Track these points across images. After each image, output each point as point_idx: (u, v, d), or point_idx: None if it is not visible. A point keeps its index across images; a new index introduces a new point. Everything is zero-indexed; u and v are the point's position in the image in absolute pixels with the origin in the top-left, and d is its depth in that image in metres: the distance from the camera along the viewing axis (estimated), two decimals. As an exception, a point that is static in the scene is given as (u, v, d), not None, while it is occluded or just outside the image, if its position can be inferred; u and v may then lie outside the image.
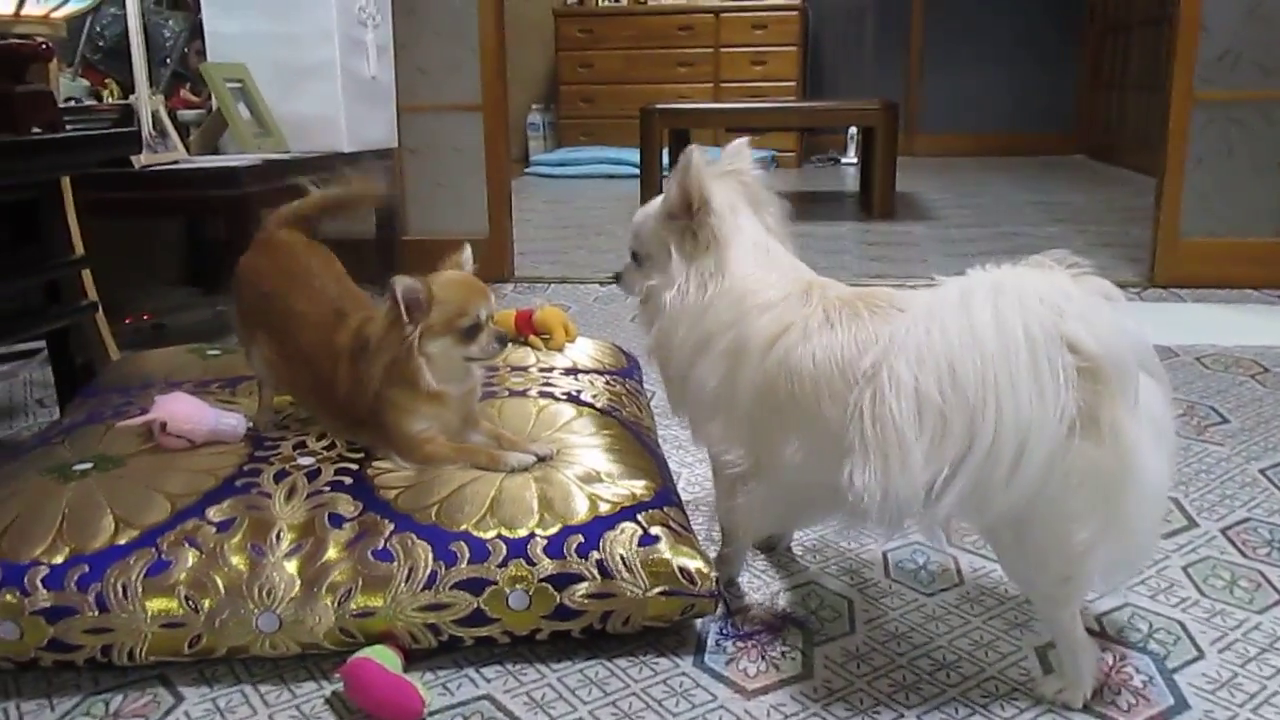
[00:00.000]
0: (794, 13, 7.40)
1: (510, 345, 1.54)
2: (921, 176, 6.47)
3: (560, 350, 1.98)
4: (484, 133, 3.56)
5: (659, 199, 1.38)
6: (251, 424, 1.60)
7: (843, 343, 1.20)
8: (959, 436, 1.06)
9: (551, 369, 1.88)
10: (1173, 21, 3.20)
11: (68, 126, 2.10)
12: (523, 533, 1.31)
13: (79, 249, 2.17)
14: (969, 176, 6.85)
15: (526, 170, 7.30)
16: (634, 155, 6.45)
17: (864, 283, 1.33)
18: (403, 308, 1.40)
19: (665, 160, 5.28)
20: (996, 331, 1.05)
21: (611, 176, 6.92)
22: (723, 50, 7.51)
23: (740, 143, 1.39)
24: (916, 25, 8.06)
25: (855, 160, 7.61)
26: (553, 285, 3.60)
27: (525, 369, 1.87)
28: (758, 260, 1.33)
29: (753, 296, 1.30)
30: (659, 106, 5.19)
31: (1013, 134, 8.05)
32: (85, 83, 3.00)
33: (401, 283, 1.40)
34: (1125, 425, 1.08)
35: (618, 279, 1.51)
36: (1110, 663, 1.28)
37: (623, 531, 1.32)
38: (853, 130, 7.68)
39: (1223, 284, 3.25)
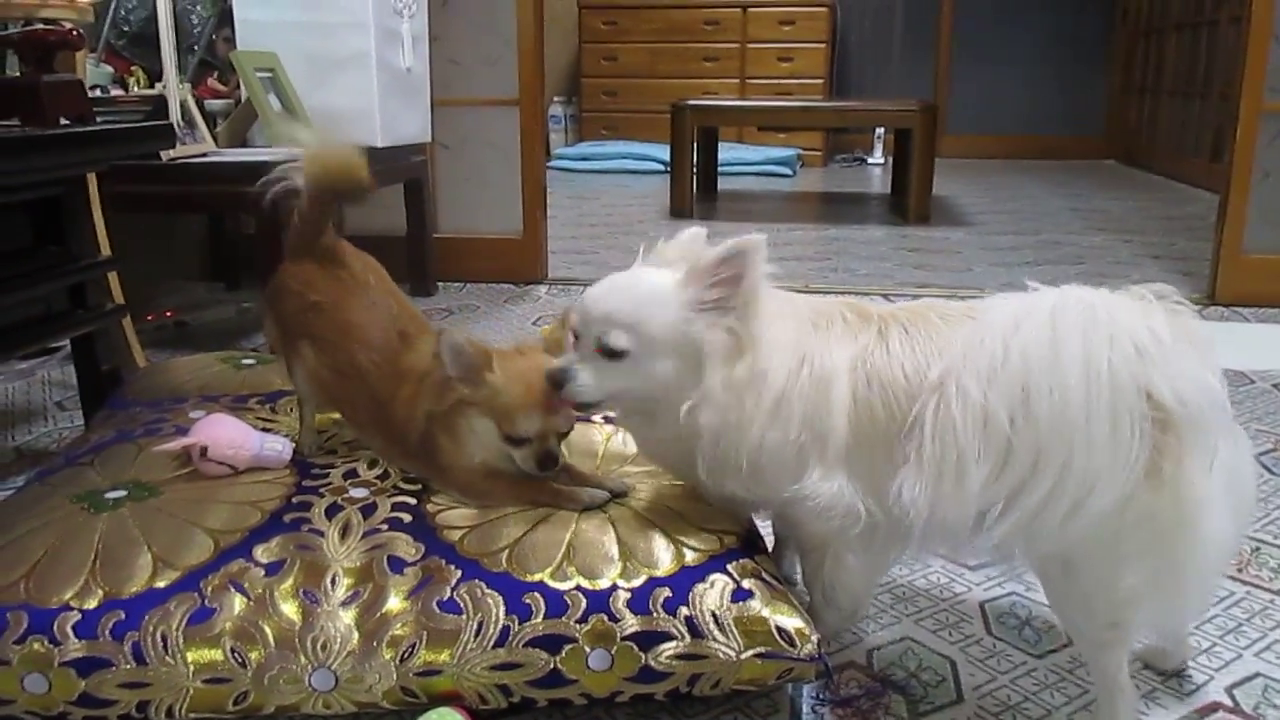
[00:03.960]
0: (823, 9, 7.24)
1: (561, 465, 1.34)
2: (951, 179, 6.33)
3: (618, 368, 1.85)
4: (520, 128, 3.43)
5: (642, 279, 1.21)
6: (294, 447, 1.48)
7: (926, 351, 1.13)
8: (1022, 469, 1.00)
9: (613, 391, 1.76)
10: (1244, 28, 3.07)
11: (96, 118, 1.97)
12: (604, 584, 1.18)
13: (105, 249, 2.04)
14: (1000, 180, 6.71)
15: (548, 165, 7.15)
16: (659, 151, 6.34)
17: (911, 293, 1.23)
18: (452, 365, 1.30)
19: (694, 158, 5.16)
20: (1084, 368, 0.97)
21: (635, 172, 6.79)
22: (749, 46, 7.36)
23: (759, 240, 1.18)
24: (945, 24, 7.91)
25: (882, 161, 7.49)
26: (588, 287, 3.46)
27: (585, 390, 1.74)
28: (788, 311, 1.21)
29: (809, 337, 1.18)
30: (690, 103, 5.05)
31: (1041, 137, 7.91)
32: (109, 69, 2.87)
33: (447, 339, 1.29)
34: (1190, 477, 1.02)
35: (562, 381, 1.22)
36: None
37: (713, 585, 1.19)
38: (880, 130, 7.55)
39: (1289, 304, 3.13)
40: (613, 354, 1.19)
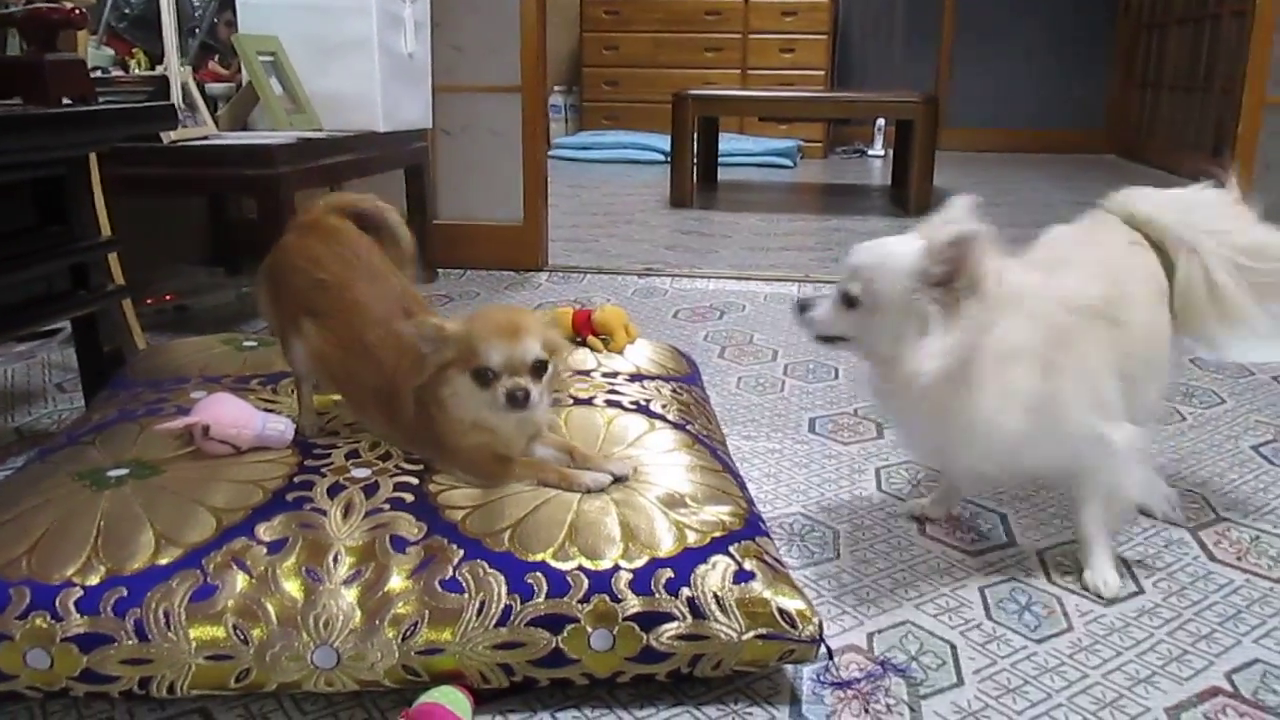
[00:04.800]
0: (824, 0, 7.23)
1: (537, 403, 1.31)
2: (952, 172, 6.31)
3: (620, 353, 1.86)
4: (522, 116, 3.42)
5: (896, 244, 1.33)
6: (296, 428, 1.48)
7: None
8: None
9: (615, 374, 1.76)
10: (1247, 21, 3.07)
11: (99, 98, 1.96)
12: (606, 565, 1.19)
13: (106, 230, 2.04)
14: (1000, 173, 6.70)
15: (548, 154, 7.14)
16: (660, 141, 6.33)
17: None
18: (424, 345, 1.33)
19: (695, 148, 5.15)
20: None
21: (635, 162, 6.78)
22: (751, 37, 7.35)
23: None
24: (947, 18, 7.90)
25: (882, 153, 7.49)
26: (588, 275, 3.47)
27: (588, 373, 1.75)
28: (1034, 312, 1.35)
29: (1052, 348, 1.34)
30: (692, 93, 5.04)
31: (1042, 131, 7.91)
32: (110, 52, 2.86)
33: (410, 335, 1.34)
34: None
35: (804, 308, 1.40)
36: (1252, 729, 1.16)
37: (714, 566, 1.20)
38: (880, 122, 7.55)
39: (1288, 297, 3.13)
40: (848, 300, 1.35)
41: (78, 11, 1.85)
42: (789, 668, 1.24)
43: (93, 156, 2.06)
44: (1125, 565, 1.51)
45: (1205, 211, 1.55)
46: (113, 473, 1.34)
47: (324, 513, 1.26)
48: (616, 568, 1.18)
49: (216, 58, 3.01)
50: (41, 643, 1.11)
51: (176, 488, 1.31)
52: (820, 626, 1.17)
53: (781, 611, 1.17)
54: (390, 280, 1.47)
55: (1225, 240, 1.49)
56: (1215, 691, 1.22)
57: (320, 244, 1.48)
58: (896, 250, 1.32)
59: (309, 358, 1.48)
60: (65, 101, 1.78)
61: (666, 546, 1.21)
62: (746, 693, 1.20)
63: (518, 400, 1.29)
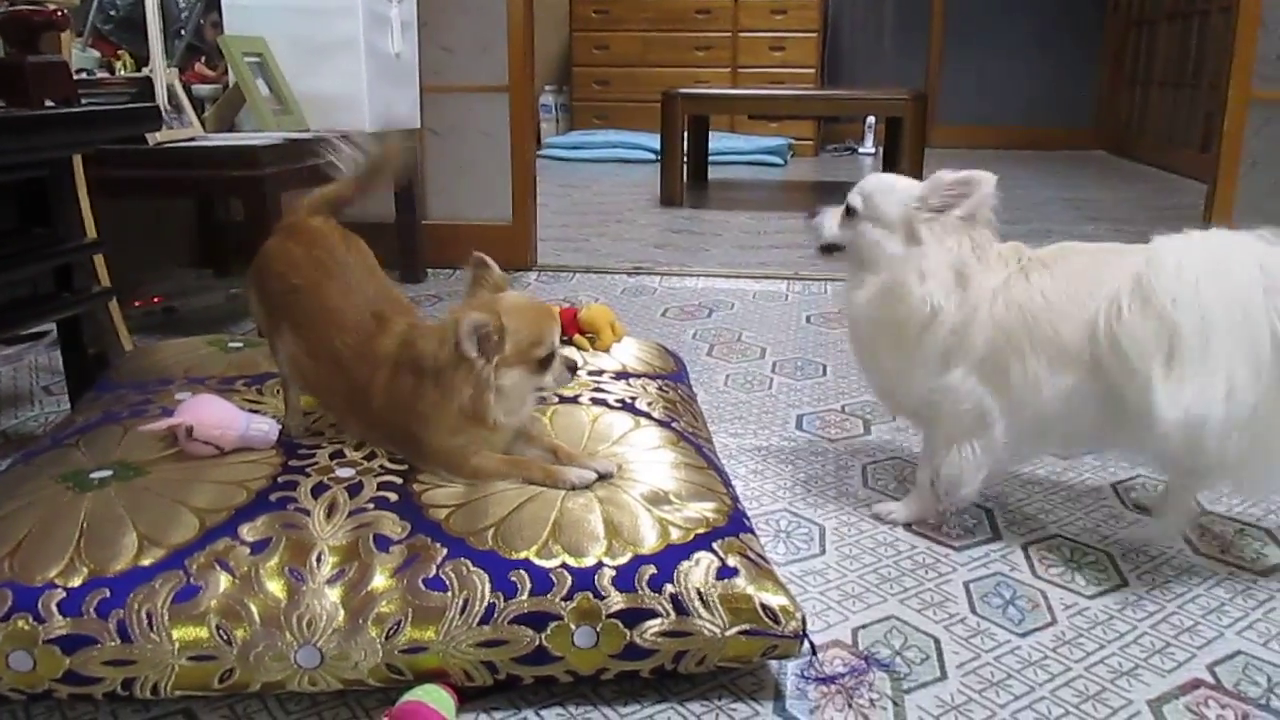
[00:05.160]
0: (814, -2, 7.26)
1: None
2: (942, 168, 6.33)
3: (607, 351, 1.86)
4: (510, 115, 3.42)
5: (900, 180, 1.55)
6: (281, 428, 1.48)
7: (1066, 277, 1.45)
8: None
9: (601, 372, 1.76)
10: (1233, 16, 3.07)
11: (82, 100, 1.96)
12: (589, 562, 1.19)
13: (91, 232, 2.03)
14: (990, 169, 6.65)
15: (539, 153, 7.14)
16: (651, 140, 6.33)
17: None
18: (473, 346, 1.30)
19: (685, 147, 5.16)
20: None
21: (626, 161, 6.78)
22: (741, 35, 7.37)
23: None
24: (937, 15, 7.91)
25: (873, 150, 7.50)
26: (577, 275, 3.47)
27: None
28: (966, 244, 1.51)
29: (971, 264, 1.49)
30: (682, 91, 5.04)
31: (1032, 127, 7.92)
32: (96, 54, 2.86)
33: (468, 321, 1.29)
34: None
35: (813, 215, 1.64)
36: (1234, 721, 1.16)
37: (698, 562, 1.20)
38: (871, 120, 7.56)
39: (1275, 291, 3.14)
40: (849, 211, 1.57)
41: (59, 13, 1.85)
42: (773, 663, 1.24)
43: (78, 158, 2.06)
44: (1109, 558, 1.51)
45: None
46: (96, 474, 1.34)
47: (307, 512, 1.26)
48: (600, 565, 1.18)
49: (203, 59, 3.01)
50: (24, 645, 1.11)
51: (160, 489, 1.30)
52: (804, 622, 1.18)
53: (765, 607, 1.17)
54: (366, 285, 1.46)
55: None
56: (1197, 683, 1.22)
57: (298, 248, 1.48)
58: (902, 180, 1.56)
59: (290, 362, 1.49)
60: (48, 104, 1.77)
61: (650, 543, 1.22)
62: (730, 689, 1.20)
63: (575, 368, 1.42)
